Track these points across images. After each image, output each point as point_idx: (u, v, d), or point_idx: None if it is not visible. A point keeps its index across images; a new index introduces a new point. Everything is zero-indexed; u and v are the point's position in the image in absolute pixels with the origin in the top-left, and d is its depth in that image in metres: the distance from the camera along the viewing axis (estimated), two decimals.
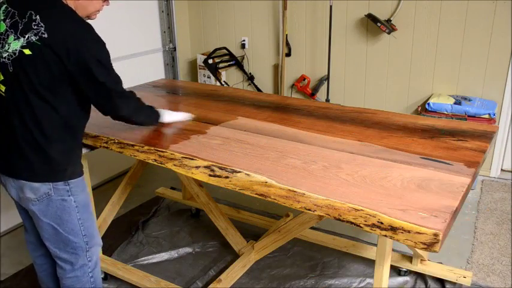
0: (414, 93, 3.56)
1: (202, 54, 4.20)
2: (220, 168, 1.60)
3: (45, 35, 1.47)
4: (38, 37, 1.48)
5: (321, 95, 3.89)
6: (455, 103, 3.16)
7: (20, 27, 1.51)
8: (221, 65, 4.08)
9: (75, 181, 1.68)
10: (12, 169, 1.63)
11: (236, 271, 2.27)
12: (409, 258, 2.35)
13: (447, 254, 2.53)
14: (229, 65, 4.17)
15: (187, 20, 4.38)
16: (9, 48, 1.52)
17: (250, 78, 4.17)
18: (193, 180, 2.45)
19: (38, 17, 1.49)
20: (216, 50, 4.09)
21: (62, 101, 1.57)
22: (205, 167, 1.63)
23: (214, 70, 4.05)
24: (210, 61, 4.02)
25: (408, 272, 2.37)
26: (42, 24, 1.48)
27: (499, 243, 2.62)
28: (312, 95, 3.90)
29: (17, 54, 1.51)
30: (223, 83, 4.16)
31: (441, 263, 2.40)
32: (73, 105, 1.61)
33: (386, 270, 1.60)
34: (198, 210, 3.01)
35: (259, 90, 4.14)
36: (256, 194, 1.51)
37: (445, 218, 1.24)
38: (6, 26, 1.54)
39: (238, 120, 2.11)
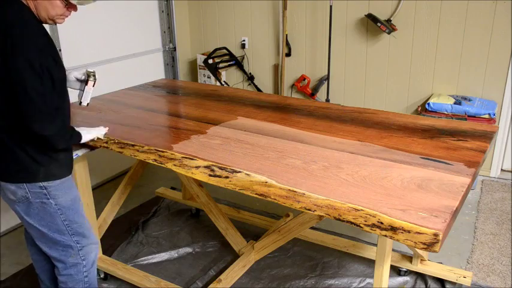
0: (414, 93, 3.56)
1: (202, 54, 4.20)
2: (220, 168, 1.60)
3: None
4: None
5: (321, 95, 3.89)
6: (455, 103, 3.16)
7: None
8: (221, 65, 4.09)
9: (53, 184, 1.65)
10: None
11: (236, 271, 2.27)
12: (409, 258, 2.35)
13: (447, 254, 2.53)
14: (229, 65, 4.17)
15: (187, 20, 4.38)
16: None
17: (250, 78, 4.17)
18: (193, 180, 2.45)
19: None
20: (216, 50, 4.09)
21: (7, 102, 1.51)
22: (205, 167, 1.63)
23: (214, 70, 4.05)
24: (210, 61, 4.02)
25: (408, 272, 2.37)
26: None
27: (499, 243, 2.62)
28: (312, 95, 3.90)
29: None
30: (223, 83, 4.16)
31: (441, 263, 2.40)
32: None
33: (386, 270, 1.60)
34: (198, 210, 3.01)
35: (259, 90, 4.14)
36: (256, 194, 1.51)
37: (445, 218, 1.24)
38: None
39: (238, 120, 2.11)
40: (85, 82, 1.83)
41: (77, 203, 1.75)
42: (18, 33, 1.44)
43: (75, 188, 1.78)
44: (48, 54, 1.49)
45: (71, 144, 1.75)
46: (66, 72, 1.74)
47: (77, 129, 1.77)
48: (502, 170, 3.48)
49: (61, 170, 1.68)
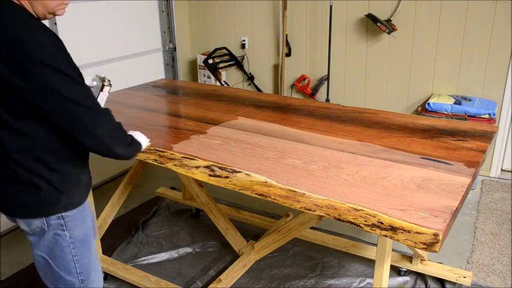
0: (414, 93, 3.56)
1: (202, 54, 4.20)
2: (220, 168, 1.60)
3: None
4: None
5: (321, 95, 3.89)
6: (455, 103, 3.16)
7: None
8: (221, 65, 4.09)
9: (71, 214, 1.47)
10: (3, 205, 1.46)
11: (236, 271, 2.27)
12: (409, 258, 2.35)
13: (447, 254, 2.53)
14: (229, 65, 4.17)
15: (187, 20, 4.38)
16: None
17: (250, 78, 4.17)
18: (193, 180, 2.45)
19: None
20: (216, 50, 4.09)
21: (27, 126, 1.34)
22: (205, 167, 1.63)
23: (214, 70, 4.05)
24: (210, 61, 4.02)
25: (408, 272, 2.37)
26: None
27: (499, 243, 2.62)
28: (312, 95, 3.90)
29: None
30: (223, 83, 4.16)
31: (441, 263, 2.40)
32: (39, 130, 1.36)
33: (386, 270, 1.60)
34: (198, 210, 3.01)
35: (259, 90, 4.14)
36: (256, 194, 1.51)
37: (445, 218, 1.24)
38: None
39: (238, 120, 2.11)
40: (100, 88, 1.75)
41: (89, 236, 1.57)
42: (25, 38, 1.26)
43: (90, 217, 1.59)
44: (64, 53, 1.34)
45: (132, 152, 1.58)
46: None
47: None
48: (502, 170, 3.48)
49: (81, 195, 1.51)
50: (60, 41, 1.35)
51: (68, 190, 1.45)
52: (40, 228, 1.45)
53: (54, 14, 1.42)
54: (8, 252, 2.67)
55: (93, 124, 1.36)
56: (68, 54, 1.35)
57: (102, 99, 1.70)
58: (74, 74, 1.34)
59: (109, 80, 1.71)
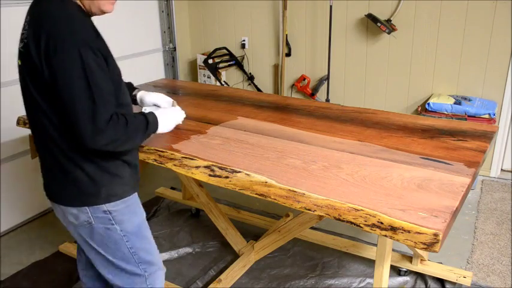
0: (414, 93, 3.56)
1: (202, 54, 4.20)
2: (220, 168, 1.60)
3: (26, 40, 1.31)
4: (22, 43, 1.33)
5: (321, 95, 3.89)
6: (455, 103, 3.16)
7: (20, 36, 1.37)
8: (221, 65, 4.09)
9: (118, 208, 1.47)
10: (50, 192, 1.49)
11: (236, 271, 2.27)
12: (409, 258, 2.35)
13: (447, 254, 2.53)
14: (229, 65, 4.17)
15: (187, 20, 4.38)
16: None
17: (250, 78, 4.17)
18: (193, 180, 2.45)
19: (28, 18, 1.34)
20: (216, 50, 4.09)
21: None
22: (205, 167, 1.63)
23: (214, 70, 4.05)
24: (210, 61, 4.02)
25: (408, 272, 2.37)
26: (27, 27, 1.32)
27: (499, 243, 2.62)
28: (312, 95, 3.90)
29: (18, 68, 1.38)
30: (223, 83, 4.16)
31: (441, 263, 2.40)
32: None
33: (386, 270, 1.60)
34: (198, 210, 3.01)
35: (259, 90, 4.14)
36: (256, 194, 1.51)
37: (445, 218, 1.24)
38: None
39: (238, 120, 2.11)
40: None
41: (143, 228, 1.57)
42: (63, 30, 1.26)
43: (142, 210, 1.59)
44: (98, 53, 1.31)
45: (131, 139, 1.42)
46: (141, 94, 1.74)
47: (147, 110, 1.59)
48: (502, 170, 3.48)
49: (124, 188, 1.49)
50: (100, 39, 1.35)
51: (108, 182, 1.44)
52: (87, 222, 1.45)
53: (103, 12, 1.42)
54: (8, 252, 2.67)
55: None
56: (102, 57, 1.32)
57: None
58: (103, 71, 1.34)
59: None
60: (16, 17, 2.71)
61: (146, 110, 1.67)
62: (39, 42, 1.26)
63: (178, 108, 1.71)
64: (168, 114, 1.62)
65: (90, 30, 1.33)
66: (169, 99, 1.73)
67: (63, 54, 1.24)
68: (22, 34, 1.35)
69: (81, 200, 1.42)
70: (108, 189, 1.44)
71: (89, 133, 1.28)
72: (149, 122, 1.48)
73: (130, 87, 1.80)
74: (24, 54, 1.32)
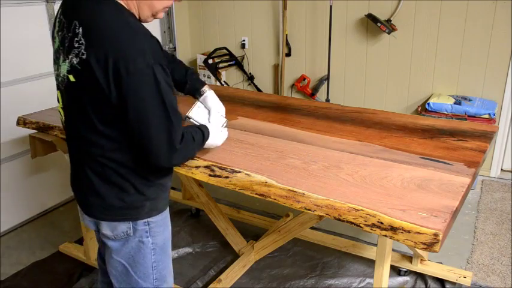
0: (414, 93, 3.56)
1: (202, 54, 4.20)
2: (220, 168, 1.60)
3: (84, 56, 1.17)
4: (78, 59, 1.19)
5: (320, 95, 3.88)
6: (455, 103, 3.16)
7: (66, 45, 1.22)
8: (221, 65, 4.08)
9: (156, 219, 1.43)
10: (87, 207, 1.41)
11: (236, 271, 2.27)
12: (409, 258, 2.35)
13: (447, 254, 2.53)
14: (229, 65, 4.17)
15: (187, 20, 4.38)
16: (60, 72, 1.26)
17: (250, 78, 4.17)
18: (193, 180, 2.44)
19: (80, 30, 1.19)
20: (216, 50, 4.09)
21: (122, 134, 1.27)
22: (205, 167, 1.63)
23: (214, 70, 4.04)
24: (210, 61, 4.02)
25: (408, 272, 2.37)
26: (83, 41, 1.18)
27: (499, 243, 2.62)
28: (312, 95, 3.90)
29: (65, 80, 1.25)
30: (223, 83, 4.16)
31: (441, 263, 2.40)
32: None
33: (387, 270, 1.60)
34: (198, 210, 3.01)
35: (259, 90, 4.14)
36: (256, 194, 1.51)
37: (445, 218, 1.24)
38: (59, 41, 1.25)
39: (238, 120, 2.11)
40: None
41: (168, 243, 1.54)
42: (132, 49, 1.17)
43: (170, 223, 1.55)
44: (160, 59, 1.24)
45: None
46: (209, 94, 1.72)
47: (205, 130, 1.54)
48: (502, 170, 3.48)
49: (164, 202, 1.47)
50: (158, 44, 1.26)
51: (154, 196, 1.41)
52: (125, 233, 1.40)
53: (155, 17, 1.35)
54: (8, 252, 2.67)
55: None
56: (163, 58, 1.26)
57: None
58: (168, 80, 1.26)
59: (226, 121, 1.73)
60: (16, 17, 2.72)
61: (192, 118, 1.66)
62: (107, 64, 1.16)
63: (226, 130, 1.70)
64: (218, 135, 1.62)
65: (155, 43, 1.24)
66: (224, 119, 1.72)
67: (136, 75, 1.16)
68: (72, 42, 1.20)
69: (124, 214, 1.38)
70: (152, 203, 1.41)
71: (165, 153, 1.26)
72: (204, 137, 1.50)
73: (197, 79, 1.74)
74: (81, 72, 1.20)
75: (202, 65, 4.10)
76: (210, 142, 1.56)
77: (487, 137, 1.84)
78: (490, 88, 3.28)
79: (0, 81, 2.67)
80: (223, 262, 2.51)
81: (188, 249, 2.64)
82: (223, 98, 2.51)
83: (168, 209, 1.51)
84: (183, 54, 4.36)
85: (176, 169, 1.71)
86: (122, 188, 1.35)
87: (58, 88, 1.34)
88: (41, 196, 3.04)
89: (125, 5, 1.26)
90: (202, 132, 1.49)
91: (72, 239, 2.74)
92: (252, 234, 2.66)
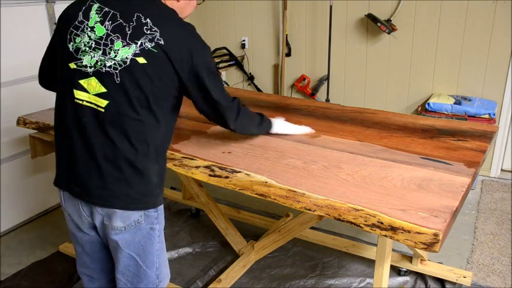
0: (414, 93, 3.56)
1: None
2: (220, 168, 1.60)
3: (162, 42, 1.30)
4: (154, 43, 1.30)
5: (320, 95, 3.89)
6: (455, 103, 3.16)
7: (129, 32, 1.31)
8: (221, 65, 4.09)
9: (161, 206, 1.48)
10: (101, 197, 1.38)
11: (236, 271, 2.27)
12: (409, 258, 2.35)
13: (447, 254, 2.53)
14: (229, 65, 4.17)
15: (187, 20, 4.38)
16: (116, 56, 1.31)
17: (250, 78, 4.17)
18: (193, 180, 2.45)
19: (148, 20, 1.31)
20: (216, 50, 4.09)
21: (165, 116, 1.40)
22: (205, 167, 1.63)
23: None
24: None
25: (408, 272, 2.37)
26: (156, 29, 1.31)
27: (499, 243, 2.62)
28: (312, 95, 3.90)
29: (127, 62, 1.31)
30: (223, 83, 4.16)
31: (441, 263, 2.40)
32: (171, 121, 1.46)
33: (386, 270, 1.60)
34: (198, 210, 3.01)
35: (259, 90, 4.14)
36: (256, 194, 1.51)
37: (445, 218, 1.24)
38: (107, 30, 1.33)
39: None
40: None
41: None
42: (189, 38, 1.38)
43: None
44: (210, 49, 1.46)
45: (262, 131, 1.83)
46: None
47: (271, 120, 1.86)
48: (502, 170, 3.48)
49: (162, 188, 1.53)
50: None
51: (163, 182, 1.48)
52: (136, 222, 1.41)
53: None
54: (8, 252, 2.67)
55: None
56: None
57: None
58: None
59: None
60: (16, 17, 2.72)
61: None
62: (181, 53, 1.34)
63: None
64: (284, 124, 1.93)
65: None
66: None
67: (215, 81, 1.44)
68: (140, 29, 1.32)
69: (145, 202, 1.41)
70: (161, 190, 1.47)
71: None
72: (263, 119, 1.81)
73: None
74: (156, 54, 1.32)
75: None
76: (278, 129, 1.87)
77: (487, 137, 1.84)
78: (490, 88, 3.28)
79: (0, 82, 2.67)
80: (223, 262, 2.51)
81: (188, 249, 2.64)
82: None
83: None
84: None
85: (176, 169, 1.71)
86: (147, 176, 1.39)
87: (90, 75, 1.34)
88: (41, 196, 3.04)
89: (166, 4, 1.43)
90: (260, 114, 1.78)
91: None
92: (252, 234, 2.66)
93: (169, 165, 1.72)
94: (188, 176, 1.69)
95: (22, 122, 2.25)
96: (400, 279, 2.34)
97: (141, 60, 1.30)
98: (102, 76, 1.32)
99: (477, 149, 1.72)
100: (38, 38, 2.83)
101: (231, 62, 4.15)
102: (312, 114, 2.18)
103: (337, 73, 3.79)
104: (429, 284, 2.29)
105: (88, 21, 1.35)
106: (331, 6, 3.52)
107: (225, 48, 4.15)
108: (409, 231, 1.22)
